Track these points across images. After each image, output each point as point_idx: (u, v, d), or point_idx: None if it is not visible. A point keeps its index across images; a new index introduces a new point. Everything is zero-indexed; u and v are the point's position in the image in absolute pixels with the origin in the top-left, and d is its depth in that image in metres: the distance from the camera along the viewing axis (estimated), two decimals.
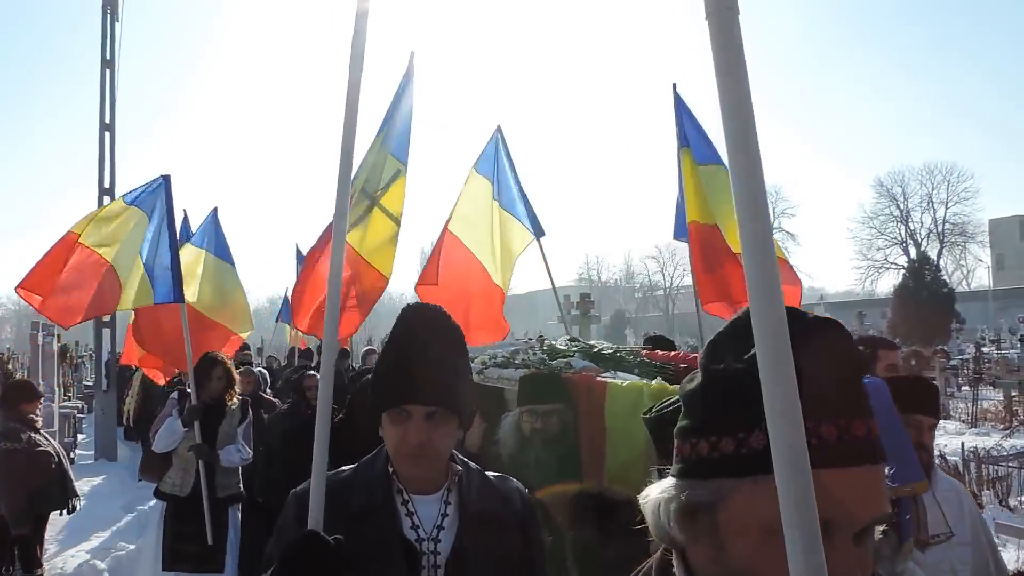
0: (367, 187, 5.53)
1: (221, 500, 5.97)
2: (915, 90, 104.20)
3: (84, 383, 24.49)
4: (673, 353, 3.95)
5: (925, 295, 41.21)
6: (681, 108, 6.61)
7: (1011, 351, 28.27)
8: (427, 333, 1.92)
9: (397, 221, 5.58)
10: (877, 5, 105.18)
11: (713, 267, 6.12)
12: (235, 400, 6.23)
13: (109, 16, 15.95)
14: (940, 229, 57.86)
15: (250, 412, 6.34)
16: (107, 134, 15.75)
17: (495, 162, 7.05)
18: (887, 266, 59.07)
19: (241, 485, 6.21)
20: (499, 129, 7.23)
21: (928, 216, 58.60)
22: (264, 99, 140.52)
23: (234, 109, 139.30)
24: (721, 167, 6.06)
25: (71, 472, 6.83)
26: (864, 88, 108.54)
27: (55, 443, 6.95)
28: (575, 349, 4.16)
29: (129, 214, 6.45)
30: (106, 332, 15.44)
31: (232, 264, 7.89)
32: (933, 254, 54.34)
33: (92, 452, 15.06)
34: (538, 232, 6.94)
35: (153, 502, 11.03)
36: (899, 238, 59.16)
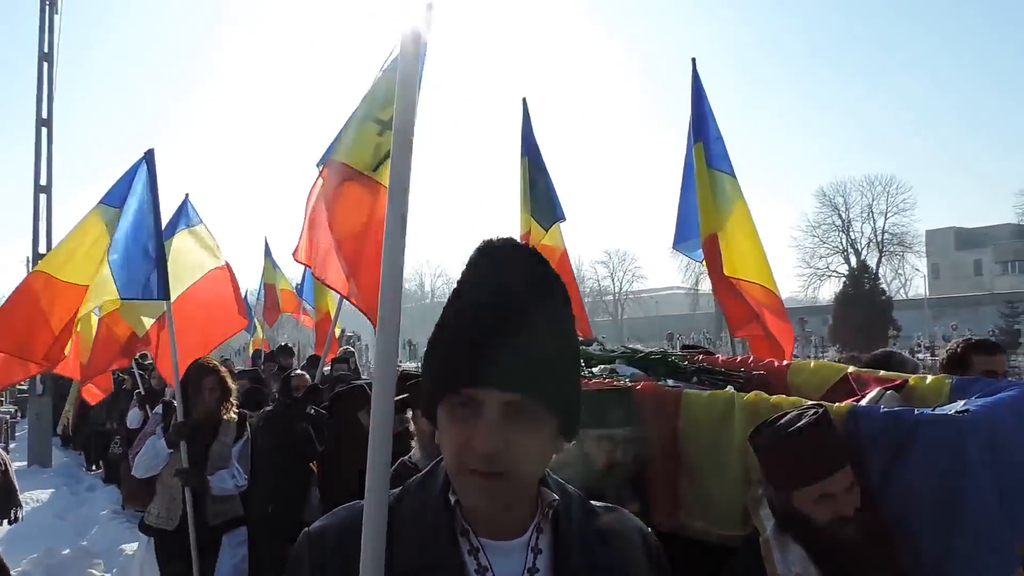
0: (371, 111, 5.08)
1: (215, 528, 5.11)
2: (858, 105, 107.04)
3: (18, 387, 23.78)
4: (740, 358, 3.41)
5: (864, 303, 42.45)
6: (699, 91, 5.66)
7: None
8: (514, 282, 1.22)
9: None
10: (822, 28, 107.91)
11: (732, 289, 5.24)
12: (231, 414, 5.31)
13: (48, 8, 15.65)
14: (879, 239, 59.35)
15: (248, 429, 5.40)
16: (44, 130, 15.43)
17: (525, 139, 6.76)
18: (829, 274, 60.36)
19: (241, 507, 5.30)
20: (524, 102, 6.87)
21: (868, 226, 60.07)
22: (230, 91, 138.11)
23: (197, 100, 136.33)
24: (726, 175, 5.40)
25: (15, 481, 6.56)
26: (807, 101, 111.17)
27: (1, 452, 6.76)
28: (614, 353, 3.56)
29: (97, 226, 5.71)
30: None
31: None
32: (873, 263, 55.85)
33: (26, 458, 14.66)
34: (547, 219, 6.55)
35: (86, 507, 11.03)
36: (840, 247, 60.50)
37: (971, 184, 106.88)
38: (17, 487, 6.52)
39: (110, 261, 5.34)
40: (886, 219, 59.06)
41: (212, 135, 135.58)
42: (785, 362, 3.06)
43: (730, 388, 2.76)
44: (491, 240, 1.29)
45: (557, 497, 1.31)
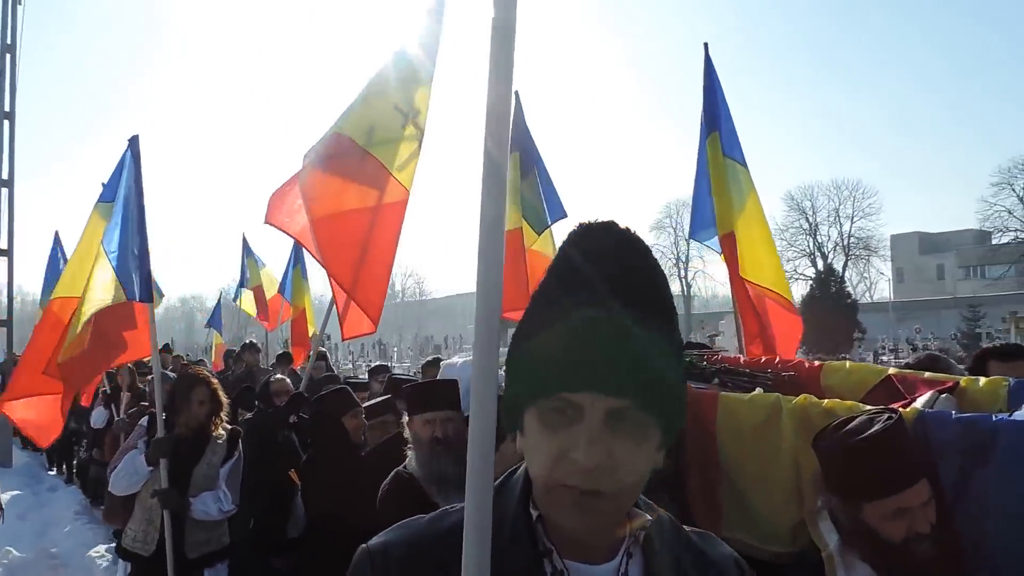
0: (400, 104, 4.76)
1: (195, 561, 4.54)
2: (824, 111, 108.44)
3: None
4: (764, 359, 3.23)
5: (830, 305, 42.98)
6: (712, 78, 5.26)
7: (908, 360, 29.47)
8: (619, 271, 1.06)
9: (421, 131, 4.82)
10: (806, 30, 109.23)
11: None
12: (222, 431, 4.75)
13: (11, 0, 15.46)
14: (846, 243, 60.15)
15: (240, 447, 4.82)
16: (6, 122, 15.10)
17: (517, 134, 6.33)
18: (796, 277, 60.81)
19: (227, 537, 4.74)
20: (516, 95, 6.37)
21: (835, 230, 60.84)
22: (197, 79, 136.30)
23: (164, 90, 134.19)
24: (740, 166, 5.12)
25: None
26: (779, 104, 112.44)
27: None
28: None
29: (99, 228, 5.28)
30: (1, 332, 14.61)
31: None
32: (839, 266, 56.53)
33: None
34: (539, 223, 6.21)
35: (47, 508, 10.73)
36: (808, 250, 61.16)
37: (935, 190, 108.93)
38: None
39: (109, 255, 4.88)
40: (852, 223, 59.99)
41: (183, 124, 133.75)
42: (816, 363, 2.88)
43: (759, 390, 2.58)
44: (591, 223, 1.12)
45: (650, 519, 1.15)
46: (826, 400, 2.28)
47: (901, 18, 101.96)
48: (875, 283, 63.61)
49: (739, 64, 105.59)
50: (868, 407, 2.11)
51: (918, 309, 50.86)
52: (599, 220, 1.13)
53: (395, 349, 39.72)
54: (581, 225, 1.13)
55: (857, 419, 1.97)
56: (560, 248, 1.14)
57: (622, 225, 1.12)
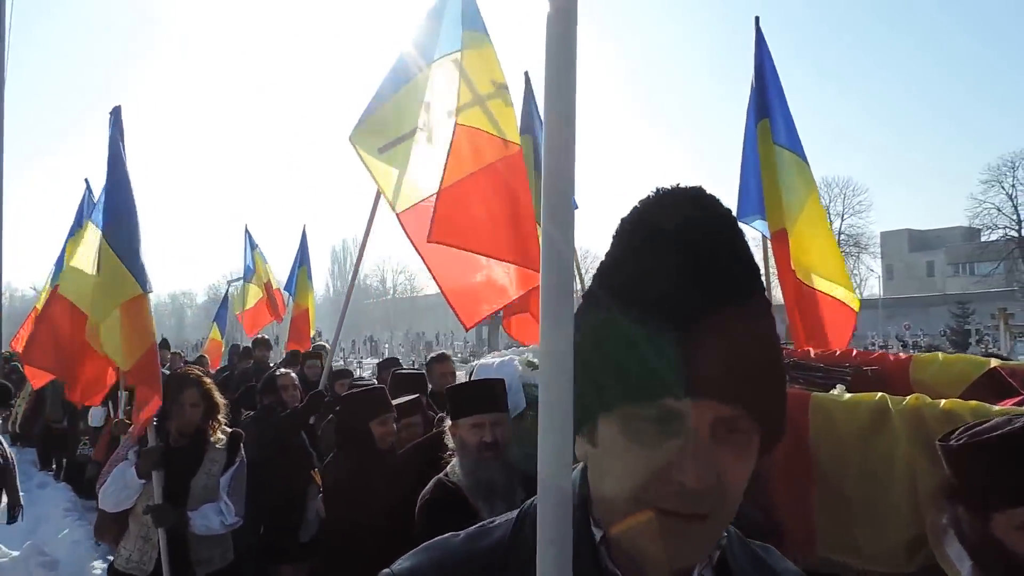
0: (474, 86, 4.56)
1: None
2: (817, 108, 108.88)
3: None
4: (840, 351, 2.94)
5: None
6: (764, 57, 4.85)
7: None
8: (718, 254, 0.89)
9: (504, 87, 4.58)
10: (781, 36, 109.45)
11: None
12: (219, 436, 4.30)
13: None
14: (836, 240, 60.10)
15: (241, 453, 4.34)
16: None
17: (528, 117, 6.04)
18: None
19: (232, 553, 4.32)
20: (527, 77, 6.20)
21: None
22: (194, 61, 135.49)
23: (160, 75, 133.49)
24: (793, 155, 4.78)
25: (18, 479, 6.25)
26: None
27: (7, 447, 6.35)
28: None
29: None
30: None
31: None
32: None
33: None
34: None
35: (37, 505, 10.52)
36: None
37: (925, 187, 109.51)
38: (19, 486, 6.18)
39: (113, 246, 4.51)
40: (843, 220, 60.08)
41: (175, 117, 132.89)
42: (903, 355, 2.64)
43: (840, 387, 2.34)
44: (673, 193, 0.93)
45: (724, 535, 1.00)
46: (943, 401, 2.02)
47: (891, 19, 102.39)
48: (865, 280, 63.79)
49: (728, 64, 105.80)
50: (998, 407, 1.89)
51: (907, 306, 51.00)
52: (681, 187, 0.94)
53: (387, 346, 39.58)
54: (659, 192, 0.95)
55: (991, 421, 1.74)
56: (631, 219, 0.95)
57: (708, 193, 0.94)
